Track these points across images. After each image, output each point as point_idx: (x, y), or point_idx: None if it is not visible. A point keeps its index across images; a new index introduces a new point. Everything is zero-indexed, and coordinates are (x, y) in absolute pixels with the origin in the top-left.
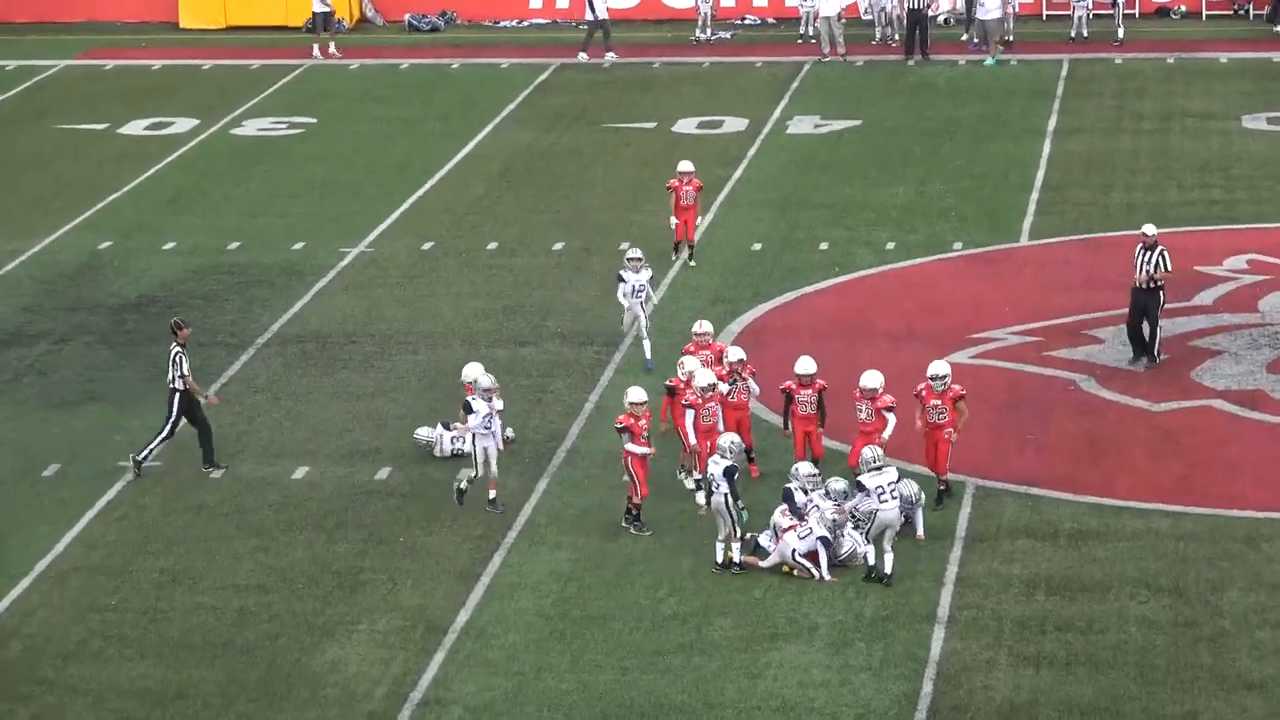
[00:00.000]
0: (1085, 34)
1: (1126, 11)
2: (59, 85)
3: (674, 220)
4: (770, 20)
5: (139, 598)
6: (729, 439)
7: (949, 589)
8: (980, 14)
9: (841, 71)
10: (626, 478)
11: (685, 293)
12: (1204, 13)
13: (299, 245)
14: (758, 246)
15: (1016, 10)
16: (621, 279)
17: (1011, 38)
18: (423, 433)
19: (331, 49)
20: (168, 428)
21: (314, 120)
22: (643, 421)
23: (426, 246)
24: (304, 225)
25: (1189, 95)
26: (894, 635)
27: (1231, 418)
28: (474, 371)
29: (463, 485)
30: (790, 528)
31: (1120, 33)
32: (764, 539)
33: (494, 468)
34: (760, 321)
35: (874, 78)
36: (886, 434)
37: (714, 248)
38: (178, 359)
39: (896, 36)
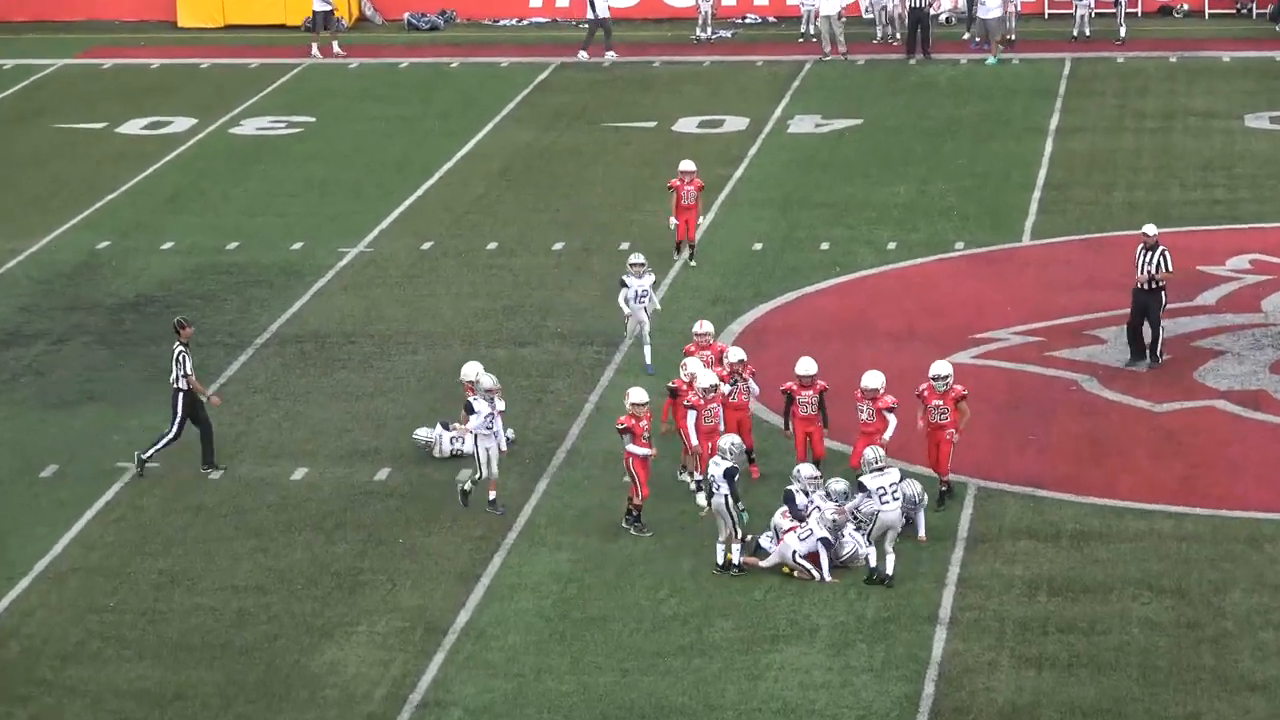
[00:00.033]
0: (1087, 33)
1: (1129, 10)
2: (57, 84)
3: (673, 221)
4: (771, 19)
5: (137, 599)
6: (729, 440)
7: (951, 590)
8: (982, 13)
9: (843, 70)
10: (627, 478)
11: (686, 293)
12: (1206, 11)
13: (298, 245)
14: (758, 246)
15: (1018, 9)
16: (624, 284)
17: (1013, 36)
18: (422, 433)
19: (335, 48)
20: (174, 429)
21: (313, 119)
22: (644, 422)
23: (426, 246)
24: (303, 225)
25: (1191, 94)
26: (895, 636)
27: (1234, 418)
28: (473, 371)
29: (466, 486)
30: (791, 529)
31: (1122, 31)
32: (765, 541)
33: (495, 469)
34: (761, 321)
35: (875, 77)
36: (887, 435)
37: (714, 247)
38: (181, 358)
39: (898, 35)
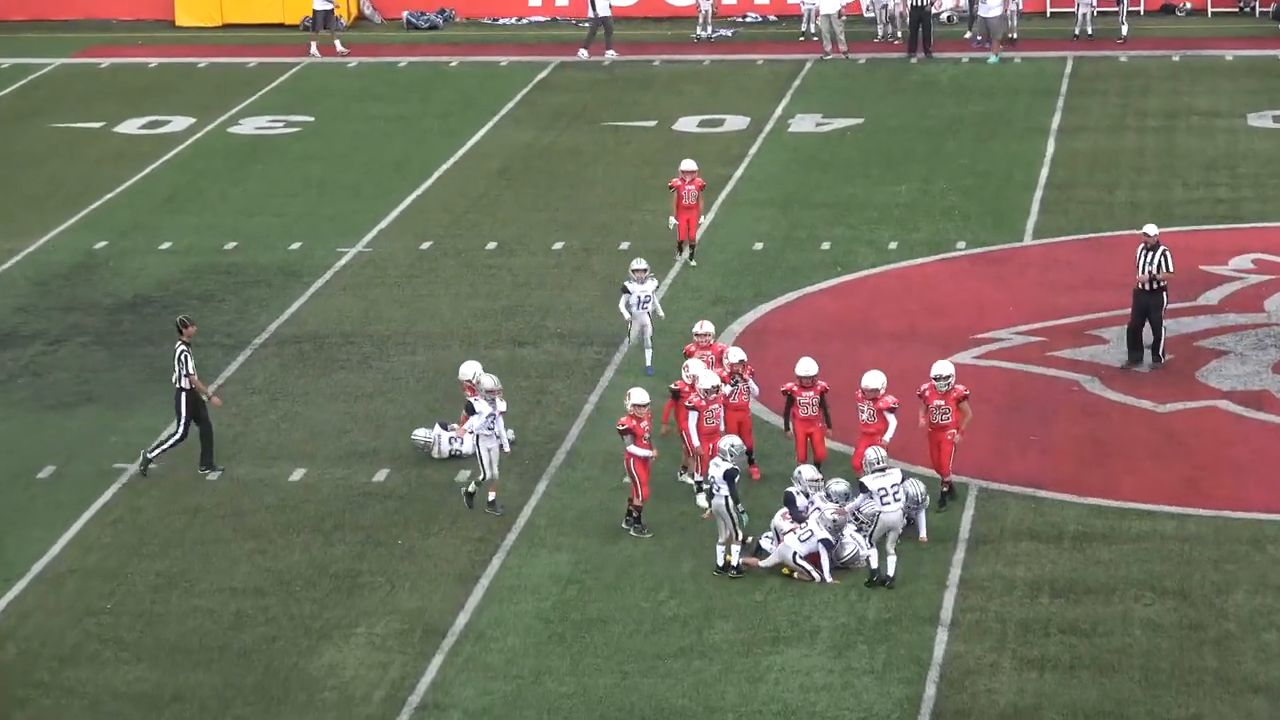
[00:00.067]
0: (1090, 31)
1: (1131, 8)
2: (54, 83)
3: (673, 221)
4: (771, 18)
5: (135, 600)
6: (730, 441)
7: (952, 591)
8: (983, 11)
9: (843, 69)
10: (627, 479)
11: (686, 293)
12: (1209, 10)
13: (296, 245)
14: (759, 246)
15: (1020, 7)
16: (626, 290)
17: (1015, 35)
18: (420, 434)
19: (339, 46)
20: (180, 430)
21: (311, 119)
22: (644, 423)
23: (425, 246)
24: (301, 225)
25: (1194, 93)
26: (897, 638)
27: (1237, 419)
28: (471, 371)
29: (470, 488)
30: (791, 530)
31: (1124, 30)
32: (765, 542)
33: (495, 469)
34: (761, 321)
35: (876, 76)
36: (887, 436)
37: (715, 247)
38: (183, 357)
39: (899, 34)
